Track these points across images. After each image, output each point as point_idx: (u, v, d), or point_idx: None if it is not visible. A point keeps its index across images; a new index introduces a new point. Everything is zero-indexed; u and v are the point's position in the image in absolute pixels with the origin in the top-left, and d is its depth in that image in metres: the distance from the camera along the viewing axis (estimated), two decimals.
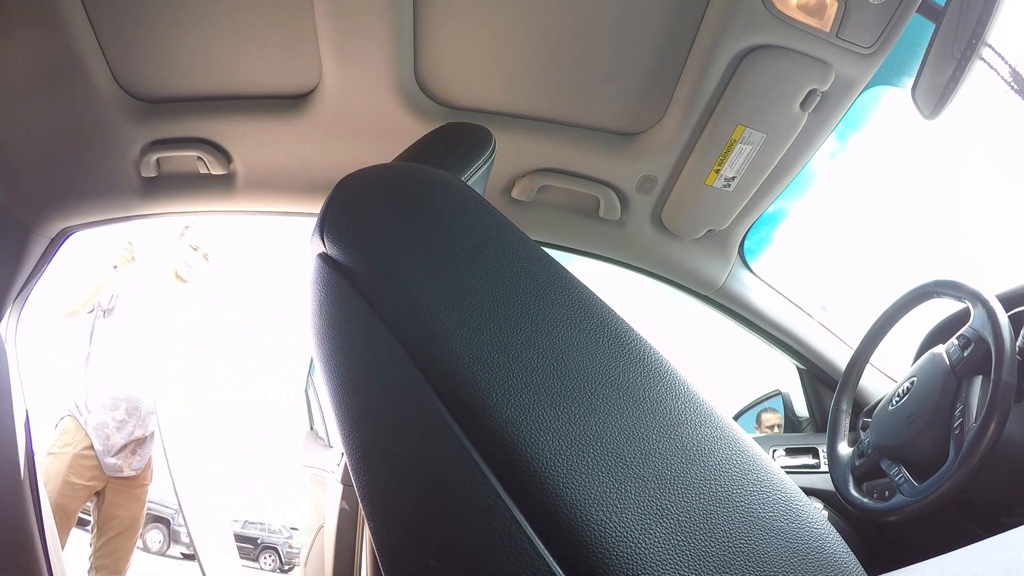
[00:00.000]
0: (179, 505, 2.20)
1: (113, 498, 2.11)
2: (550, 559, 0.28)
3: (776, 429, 1.58)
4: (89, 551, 2.13)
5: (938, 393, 0.86)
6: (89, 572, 2.10)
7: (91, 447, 2.04)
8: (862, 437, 1.00)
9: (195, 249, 2.27)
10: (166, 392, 2.20)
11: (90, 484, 2.05)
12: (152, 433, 2.18)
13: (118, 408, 2.09)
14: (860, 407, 1.21)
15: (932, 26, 0.78)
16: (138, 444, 2.15)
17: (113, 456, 2.08)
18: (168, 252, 2.26)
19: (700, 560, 0.28)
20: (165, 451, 2.10)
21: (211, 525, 2.45)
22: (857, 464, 0.98)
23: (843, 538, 0.33)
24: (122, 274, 2.18)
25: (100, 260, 2.11)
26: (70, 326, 2.14)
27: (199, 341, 2.46)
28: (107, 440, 2.07)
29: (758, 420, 1.64)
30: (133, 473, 2.14)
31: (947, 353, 0.89)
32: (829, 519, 1.10)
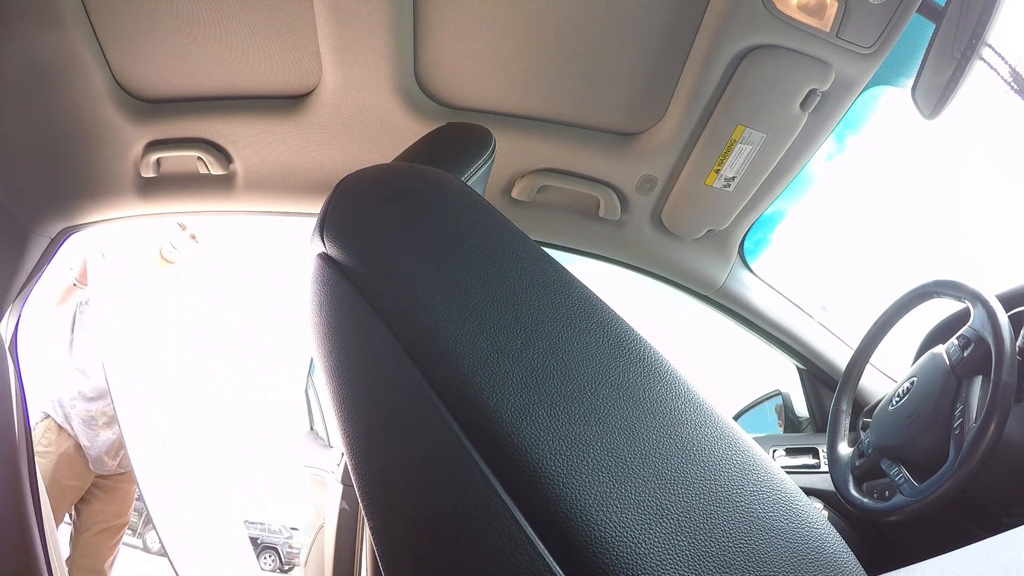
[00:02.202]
0: (144, 505, 2.08)
1: (99, 494, 2.02)
2: (550, 559, 0.28)
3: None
4: (67, 551, 2.00)
5: (938, 393, 0.86)
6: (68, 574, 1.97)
7: (78, 445, 1.95)
8: (862, 437, 1.00)
9: (182, 228, 2.10)
10: (151, 382, 2.08)
11: (79, 484, 1.96)
12: None
13: (108, 401, 1.97)
14: (860, 407, 1.21)
15: (932, 26, 0.78)
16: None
17: (102, 452, 1.98)
18: (154, 232, 2.09)
19: (700, 560, 0.28)
20: (128, 443, 1.97)
21: (221, 523, 2.39)
22: (857, 464, 0.98)
23: (843, 538, 0.33)
24: (85, 289, 2.01)
25: (62, 266, 1.94)
26: (49, 318, 2.01)
27: (193, 330, 2.37)
28: (95, 436, 1.97)
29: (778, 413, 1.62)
30: (122, 471, 2.05)
31: (947, 353, 0.89)
32: (829, 519, 1.10)
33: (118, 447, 2.03)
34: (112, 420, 1.99)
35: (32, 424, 1.91)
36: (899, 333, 1.08)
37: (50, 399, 1.98)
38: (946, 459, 0.79)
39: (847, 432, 1.08)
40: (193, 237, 2.15)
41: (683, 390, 0.35)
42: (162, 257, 2.11)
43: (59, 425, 1.95)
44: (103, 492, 2.04)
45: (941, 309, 1.04)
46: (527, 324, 0.35)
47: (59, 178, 1.12)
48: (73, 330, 2.05)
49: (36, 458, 1.80)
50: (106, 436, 2.00)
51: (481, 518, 0.29)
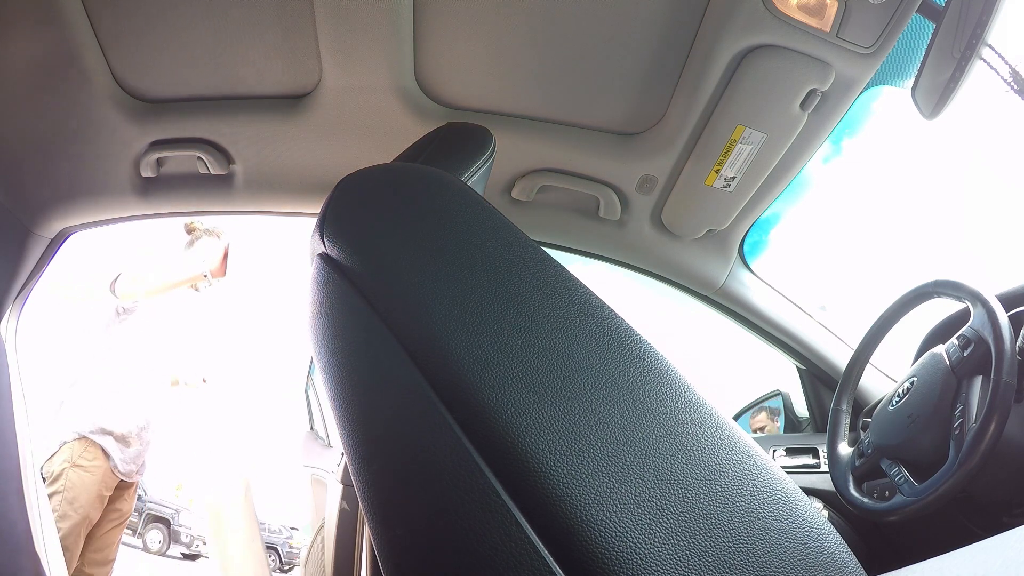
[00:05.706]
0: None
1: (115, 495, 2.12)
2: (550, 559, 0.28)
3: (768, 429, 1.58)
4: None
5: (938, 393, 0.86)
6: (79, 566, 2.07)
7: (114, 459, 2.06)
8: (862, 437, 1.00)
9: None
10: (186, 398, 2.19)
11: (110, 493, 2.07)
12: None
13: (141, 417, 2.10)
14: (860, 407, 1.21)
15: (932, 26, 0.78)
16: (146, 449, 2.18)
17: (134, 463, 2.11)
18: (201, 260, 2.13)
19: (700, 560, 0.28)
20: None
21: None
22: (857, 464, 0.98)
23: (843, 538, 0.33)
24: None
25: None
26: (87, 309, 2.04)
27: (211, 347, 2.41)
28: (126, 449, 2.07)
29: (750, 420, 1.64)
30: (140, 476, 2.19)
31: (947, 353, 0.89)
32: (829, 519, 1.10)
33: (139, 455, 2.15)
34: (141, 432, 2.11)
35: (65, 440, 1.97)
36: (899, 333, 1.08)
37: (85, 418, 2.01)
38: (946, 459, 0.79)
39: (847, 432, 1.08)
40: (222, 281, 2.18)
41: (683, 390, 0.35)
42: (193, 285, 2.16)
43: (98, 440, 2.02)
44: (119, 492, 2.14)
45: (941, 309, 1.04)
46: (527, 324, 0.35)
47: (59, 178, 1.12)
48: (108, 336, 2.08)
49: (80, 472, 1.93)
50: (136, 448, 2.10)
51: (481, 518, 0.29)
